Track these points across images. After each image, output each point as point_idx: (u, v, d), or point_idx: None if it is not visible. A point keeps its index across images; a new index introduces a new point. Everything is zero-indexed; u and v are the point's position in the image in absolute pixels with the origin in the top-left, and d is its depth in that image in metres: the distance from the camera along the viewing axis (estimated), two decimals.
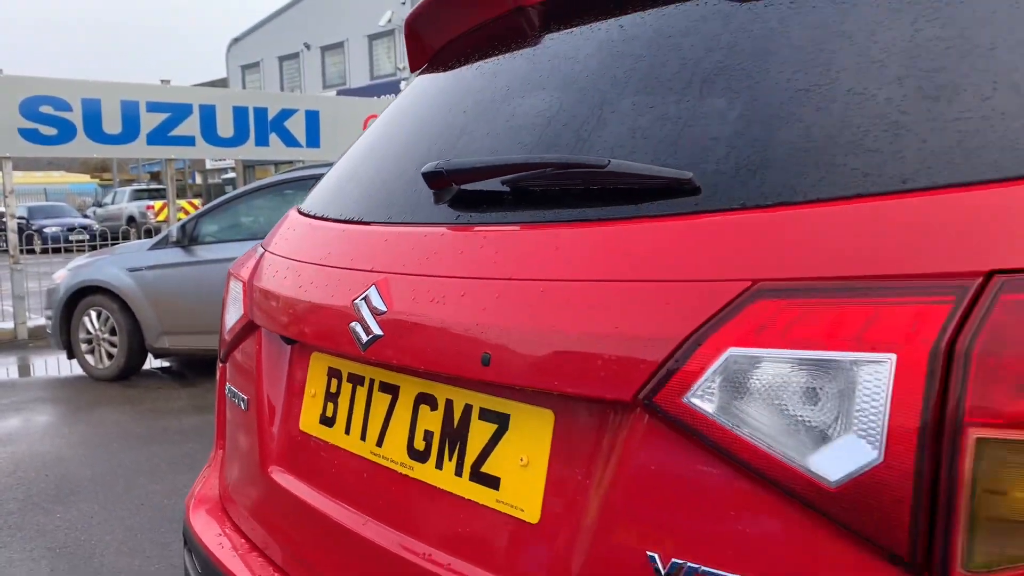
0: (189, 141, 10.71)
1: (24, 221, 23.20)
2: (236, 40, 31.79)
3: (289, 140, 11.67)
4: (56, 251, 12.83)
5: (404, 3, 26.49)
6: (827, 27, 1.04)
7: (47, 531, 3.92)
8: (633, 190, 1.05)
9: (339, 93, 20.73)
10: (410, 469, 1.24)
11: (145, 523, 3.95)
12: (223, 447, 1.83)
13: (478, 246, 1.17)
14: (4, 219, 9.71)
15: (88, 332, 7.26)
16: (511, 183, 1.19)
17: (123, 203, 28.31)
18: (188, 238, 6.89)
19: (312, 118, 11.84)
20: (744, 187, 0.96)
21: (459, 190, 1.27)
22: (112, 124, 10.07)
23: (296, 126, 11.66)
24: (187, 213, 13.28)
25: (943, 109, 0.88)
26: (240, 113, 11.14)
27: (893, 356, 0.76)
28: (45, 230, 22.16)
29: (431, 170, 1.27)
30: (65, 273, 7.50)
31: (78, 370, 7.53)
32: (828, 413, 0.79)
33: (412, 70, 1.95)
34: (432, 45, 1.84)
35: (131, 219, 26.59)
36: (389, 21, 25.73)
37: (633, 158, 1.09)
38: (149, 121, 10.32)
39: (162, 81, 10.81)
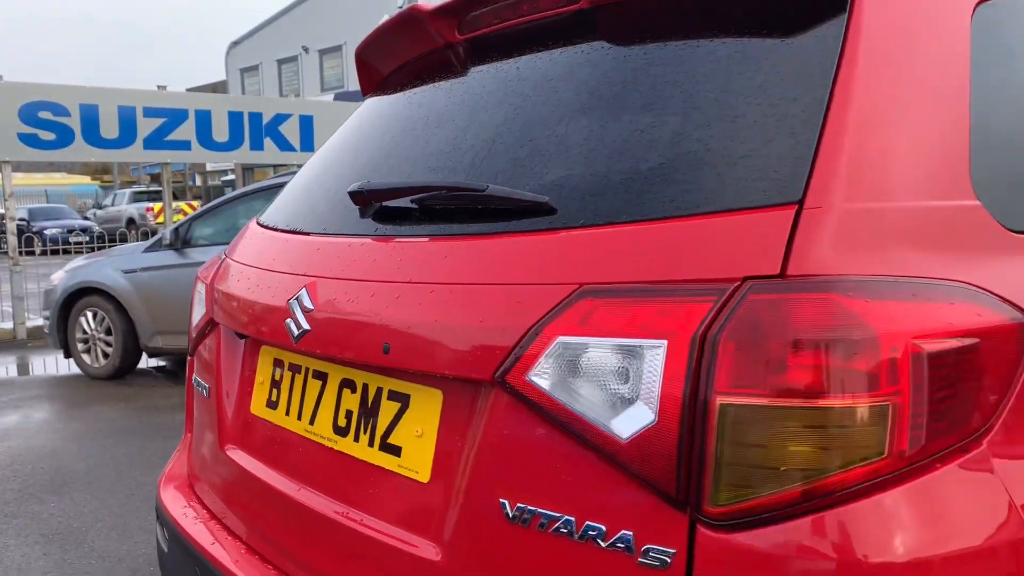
0: (185, 145, 10.95)
1: (24, 223, 23.44)
2: (235, 43, 32.06)
3: (283, 144, 11.91)
4: (56, 252, 13.07)
5: (401, 6, 26.64)
6: (664, 78, 1.27)
7: (41, 519, 4.15)
8: (505, 210, 1.28)
9: (337, 96, 20.97)
10: (334, 442, 1.47)
11: (134, 511, 4.18)
12: (191, 431, 2.06)
13: (387, 254, 1.40)
14: (4, 221, 9.92)
15: (84, 332, 7.49)
16: (417, 202, 1.43)
17: (123, 205, 28.55)
18: (181, 241, 7.13)
19: (306, 123, 12.10)
20: (586, 209, 1.19)
21: (378, 207, 1.51)
22: (109, 129, 10.31)
23: (290, 130, 11.90)
24: (186, 214, 13.53)
25: (723, 152, 1.11)
26: (235, 118, 11.39)
27: (665, 342, 0.99)
28: (45, 232, 22.42)
29: (354, 189, 1.50)
30: (62, 274, 7.73)
31: (75, 369, 7.77)
32: (625, 386, 1.03)
33: (363, 94, 2.17)
34: (381, 72, 2.06)
35: (131, 221, 26.84)
36: None
37: (510, 183, 1.32)
38: (146, 126, 10.56)
39: (158, 87, 11.05)
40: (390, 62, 2.00)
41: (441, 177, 1.46)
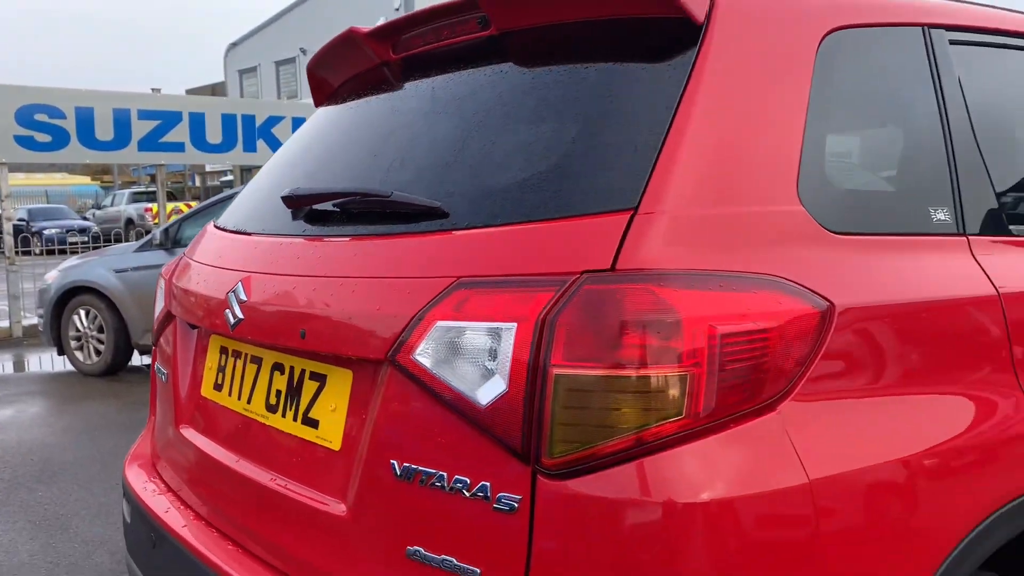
0: (179, 147, 11.16)
1: (24, 223, 23.64)
2: (234, 45, 32.30)
3: (276, 146, 12.10)
4: (54, 252, 13.28)
5: (398, 9, 26.87)
6: (543, 101, 1.47)
7: (29, 507, 4.35)
8: (406, 213, 1.48)
9: None
10: (266, 418, 1.67)
11: (117, 500, 4.37)
12: (154, 414, 2.26)
13: (310, 252, 1.60)
14: (1, 222, 10.13)
15: (77, 329, 7.69)
16: (338, 206, 1.63)
17: (122, 206, 28.73)
18: (171, 241, 7.33)
19: (299, 125, 12.26)
20: (470, 213, 1.39)
21: (307, 209, 1.70)
22: (104, 131, 10.52)
23: (283, 132, 12.11)
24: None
25: (581, 166, 1.31)
26: (228, 120, 11.59)
27: (515, 324, 1.19)
28: (45, 232, 22.62)
29: (285, 195, 1.70)
30: (56, 274, 7.93)
31: (69, 366, 7.97)
32: (487, 362, 1.22)
33: (316, 105, 2.37)
34: (331, 84, 2.26)
35: (129, 221, 27.01)
36: None
37: (415, 190, 1.52)
38: (140, 128, 10.77)
39: (153, 90, 11.30)
40: (338, 76, 2.20)
41: (360, 184, 1.66)
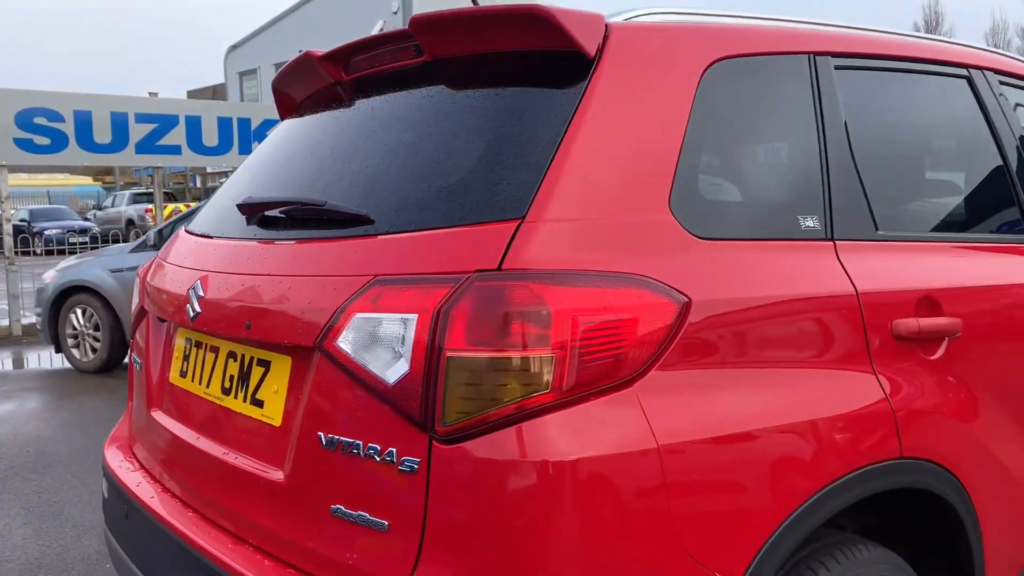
0: (176, 150, 11.39)
1: (25, 223, 23.88)
2: (234, 47, 32.51)
3: None
4: (55, 253, 13.51)
5: (396, 12, 27.08)
6: (458, 123, 1.69)
7: (24, 495, 4.58)
8: (338, 220, 1.70)
9: None
10: (221, 400, 1.89)
11: None
12: (131, 400, 2.48)
13: (258, 253, 1.82)
14: (1, 223, 10.36)
15: (74, 328, 7.92)
16: (284, 212, 1.85)
17: (122, 206, 28.95)
18: (164, 242, 7.54)
19: None
20: (391, 220, 1.61)
21: (259, 215, 1.93)
22: (103, 134, 10.75)
23: None
24: None
25: (483, 181, 1.53)
26: (224, 124, 11.83)
27: (416, 315, 1.41)
28: (46, 232, 22.87)
29: (240, 202, 1.92)
30: (54, 274, 8.16)
31: (66, 363, 8.20)
32: (395, 347, 1.44)
33: (281, 118, 2.59)
34: (294, 100, 2.48)
35: (130, 222, 27.26)
36: (381, 31, 26.30)
37: (348, 199, 1.74)
38: (138, 131, 11.00)
39: (150, 93, 11.49)
40: (300, 93, 2.41)
41: (306, 193, 1.88)
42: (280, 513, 1.64)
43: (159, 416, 2.16)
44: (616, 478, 1.36)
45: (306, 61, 2.23)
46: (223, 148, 11.82)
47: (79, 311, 7.86)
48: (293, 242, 1.79)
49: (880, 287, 1.78)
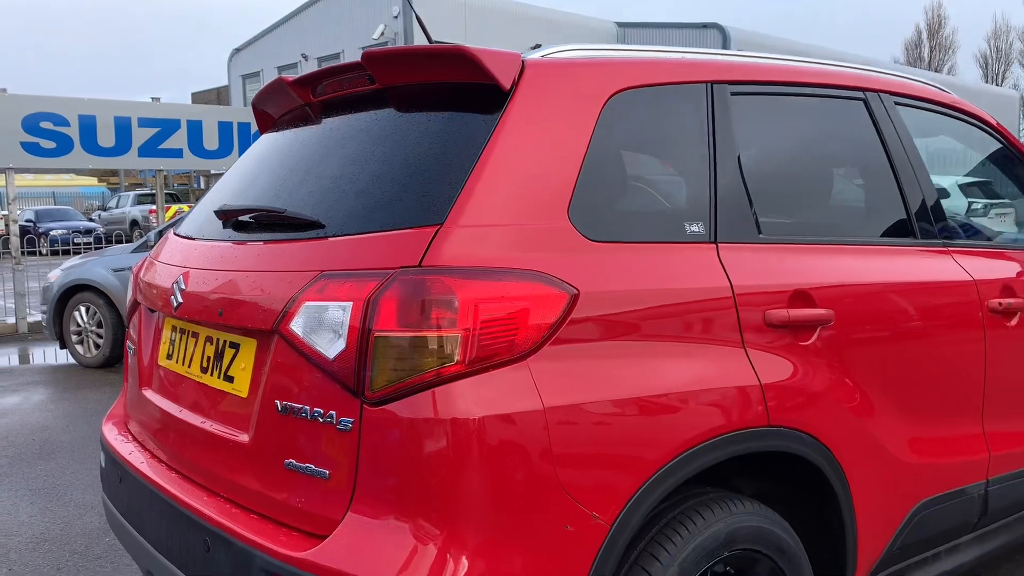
0: (177, 153, 11.74)
1: (31, 224, 24.27)
2: (237, 50, 32.90)
3: None
4: (59, 253, 13.87)
5: (396, 16, 27.38)
6: (397, 141, 2.02)
7: (30, 479, 4.92)
8: (295, 224, 2.03)
9: None
10: (200, 378, 2.21)
11: None
12: (127, 381, 2.81)
13: (230, 252, 2.15)
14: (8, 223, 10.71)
15: (78, 325, 8.26)
16: (252, 218, 2.18)
17: (127, 207, 29.35)
18: None
19: None
20: (337, 225, 1.94)
21: (233, 220, 2.25)
22: (106, 138, 11.09)
23: None
24: None
25: (413, 193, 1.86)
26: (225, 127, 12.17)
27: (351, 303, 1.73)
28: (52, 233, 23.27)
29: (216, 209, 2.25)
30: (59, 273, 8.51)
31: (70, 359, 8.54)
32: (335, 328, 1.76)
33: (260, 133, 2.91)
34: (272, 117, 2.80)
35: (134, 223, 27.67)
36: (381, 34, 26.70)
37: (304, 207, 2.07)
38: (140, 135, 11.35)
39: (152, 99, 11.85)
40: (277, 111, 2.74)
41: (272, 201, 2.21)
42: (245, 469, 1.97)
43: (149, 394, 2.49)
44: (509, 433, 1.68)
45: (280, 85, 2.56)
46: (224, 151, 12.16)
47: (83, 309, 8.20)
48: (259, 243, 2.12)
49: (755, 282, 2.10)
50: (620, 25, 31.73)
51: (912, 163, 2.70)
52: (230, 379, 2.09)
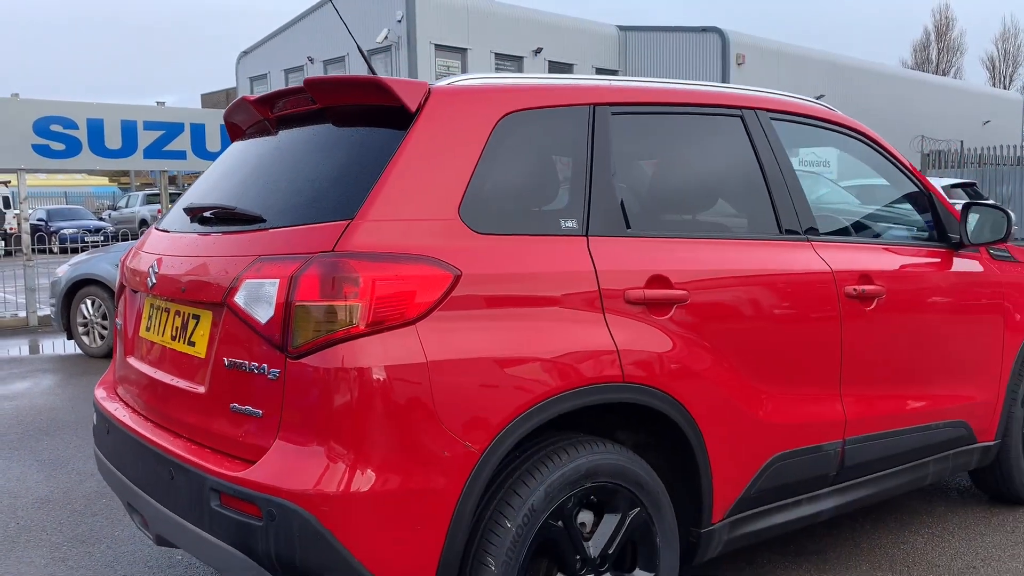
0: (181, 155, 12.28)
1: (43, 223, 24.92)
2: (245, 53, 33.53)
3: None
4: (68, 251, 14.43)
5: (400, 21, 27.88)
6: (326, 152, 2.52)
7: (37, 451, 5.44)
8: (243, 219, 2.53)
9: None
10: (170, 344, 2.71)
11: None
12: (116, 352, 3.31)
13: (193, 241, 2.66)
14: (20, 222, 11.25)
15: (84, 317, 8.79)
16: (212, 214, 2.68)
17: (136, 207, 30.01)
18: None
19: None
20: (275, 219, 2.43)
21: (198, 216, 2.76)
22: (113, 140, 11.64)
23: None
24: None
25: (333, 194, 2.36)
26: (226, 130, 12.68)
27: (277, 280, 2.23)
28: (61, 231, 23.89)
29: (184, 207, 2.76)
30: (66, 268, 9.05)
31: (77, 349, 9.08)
32: (268, 300, 2.25)
33: (231, 141, 3.41)
34: (241, 128, 3.30)
35: (143, 222, 28.27)
36: (385, 38, 27.24)
37: (251, 205, 2.57)
38: (146, 138, 11.89)
39: (157, 103, 12.41)
40: (244, 123, 3.24)
41: (229, 200, 2.71)
42: (201, 413, 2.47)
43: (132, 360, 2.99)
44: (399, 379, 2.18)
45: (243, 103, 3.06)
46: None
47: (89, 302, 8.73)
48: (217, 234, 2.62)
49: (617, 267, 2.58)
50: (622, 29, 32.22)
51: (782, 170, 3.18)
52: (192, 344, 2.59)
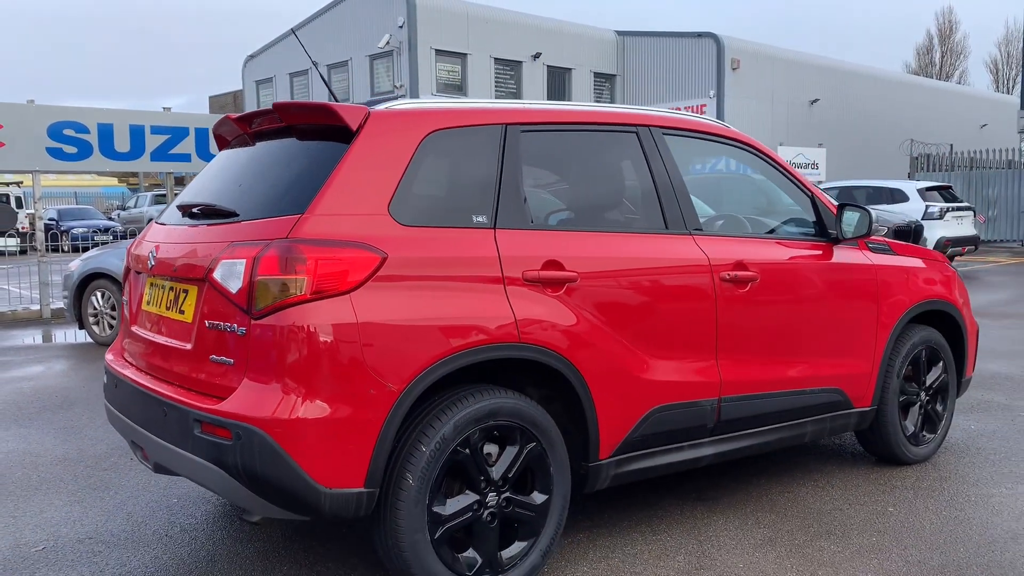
0: (186, 158, 13.01)
1: (54, 222, 25.74)
2: (251, 57, 34.35)
3: None
4: (77, 250, 15.19)
5: (401, 26, 28.58)
6: (288, 162, 3.23)
7: (53, 422, 6.15)
8: (222, 213, 3.23)
9: None
10: (165, 313, 3.41)
11: None
12: (123, 323, 4.01)
13: (184, 232, 3.36)
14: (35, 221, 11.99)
15: (94, 308, 9.52)
16: (199, 210, 3.39)
17: (144, 207, 30.80)
18: None
19: None
20: (248, 213, 3.14)
21: (188, 211, 3.46)
22: (122, 144, 12.38)
23: None
24: None
25: (289, 195, 3.07)
26: None
27: (245, 260, 2.93)
28: (73, 231, 24.67)
29: (177, 204, 3.47)
30: (78, 263, 9.79)
31: (88, 338, 9.81)
32: (238, 275, 2.95)
33: (219, 150, 4.12)
34: (227, 139, 4.01)
35: (151, 221, 29.00)
36: (387, 43, 27.96)
37: (229, 202, 3.27)
38: (153, 141, 12.63)
39: (164, 108, 13.13)
40: (230, 135, 3.94)
41: (213, 199, 3.41)
42: (188, 365, 3.17)
43: (136, 329, 3.70)
44: (336, 334, 2.87)
45: (227, 120, 3.77)
46: None
47: (99, 294, 9.46)
48: (201, 225, 3.32)
49: (516, 252, 3.27)
50: (619, 34, 32.91)
51: (671, 177, 3.86)
52: (182, 312, 3.29)
